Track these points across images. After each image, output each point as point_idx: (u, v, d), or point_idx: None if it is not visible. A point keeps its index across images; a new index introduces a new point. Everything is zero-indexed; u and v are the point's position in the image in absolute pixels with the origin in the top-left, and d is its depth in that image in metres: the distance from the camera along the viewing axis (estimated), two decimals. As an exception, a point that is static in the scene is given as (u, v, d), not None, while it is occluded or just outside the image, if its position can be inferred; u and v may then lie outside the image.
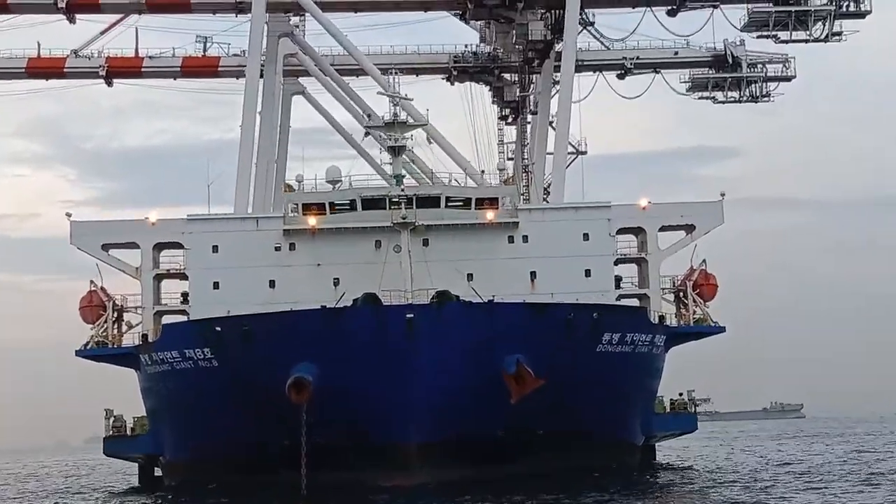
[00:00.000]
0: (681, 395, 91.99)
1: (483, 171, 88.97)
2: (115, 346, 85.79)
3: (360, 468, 67.22)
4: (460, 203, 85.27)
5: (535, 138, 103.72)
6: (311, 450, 65.61)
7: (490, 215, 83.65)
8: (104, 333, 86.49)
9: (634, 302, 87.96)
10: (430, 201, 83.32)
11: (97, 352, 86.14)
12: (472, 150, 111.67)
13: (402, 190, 79.67)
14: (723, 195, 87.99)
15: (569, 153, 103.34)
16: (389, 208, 78.60)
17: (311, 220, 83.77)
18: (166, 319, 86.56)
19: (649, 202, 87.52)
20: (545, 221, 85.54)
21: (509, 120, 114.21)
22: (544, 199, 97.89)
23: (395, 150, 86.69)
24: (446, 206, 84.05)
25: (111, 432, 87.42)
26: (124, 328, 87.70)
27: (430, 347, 65.05)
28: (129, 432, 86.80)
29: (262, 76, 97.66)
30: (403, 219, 74.05)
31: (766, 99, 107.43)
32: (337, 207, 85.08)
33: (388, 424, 65.91)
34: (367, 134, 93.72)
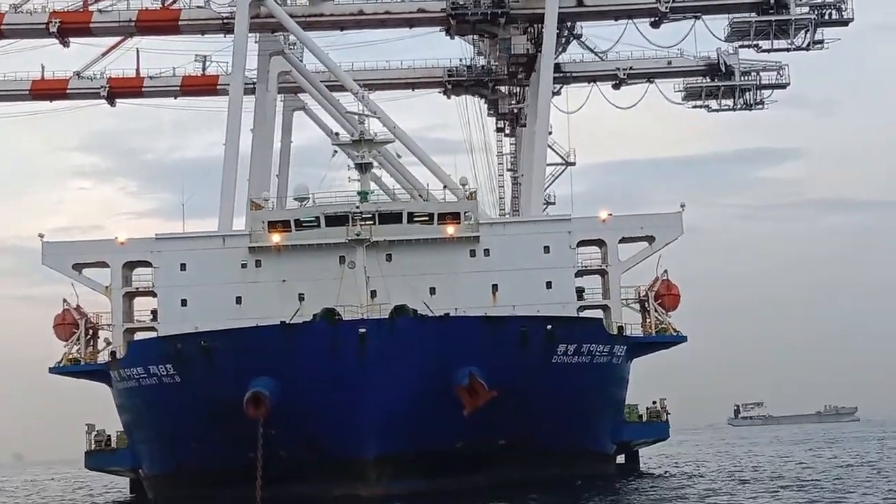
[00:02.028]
0: (654, 403, 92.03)
1: (444, 187, 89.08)
2: (88, 363, 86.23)
3: (319, 481, 67.40)
4: (424, 218, 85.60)
5: (522, 150, 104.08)
6: (273, 463, 65.70)
7: (451, 230, 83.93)
8: (78, 351, 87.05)
9: (597, 313, 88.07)
10: (392, 217, 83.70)
11: (69, 369, 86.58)
12: (469, 161, 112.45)
13: (358, 207, 79.74)
14: (682, 206, 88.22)
15: (557, 164, 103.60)
16: (353, 225, 78.81)
17: (276, 238, 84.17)
18: (138, 336, 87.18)
19: (609, 214, 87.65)
20: (506, 235, 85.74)
21: (507, 132, 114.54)
22: (545, 211, 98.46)
23: (363, 168, 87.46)
24: (409, 222, 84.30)
25: (93, 447, 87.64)
26: (101, 345, 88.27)
27: (382, 361, 65.29)
28: (114, 446, 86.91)
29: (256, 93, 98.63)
30: (357, 235, 74.29)
31: (759, 106, 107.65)
32: (303, 224, 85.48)
33: (343, 438, 66.16)
34: (335, 153, 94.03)
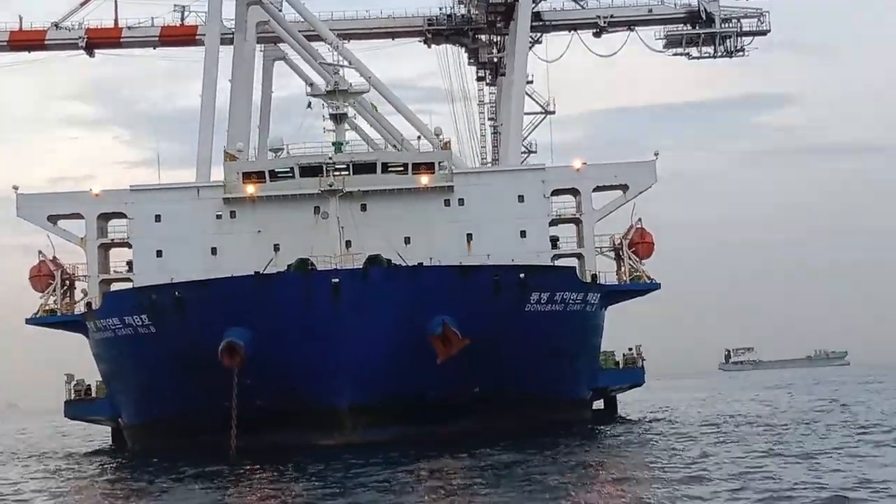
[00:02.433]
0: (630, 349, 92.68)
1: (419, 137, 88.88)
2: (65, 314, 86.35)
3: (294, 430, 67.92)
4: (399, 168, 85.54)
5: (502, 99, 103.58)
6: (249, 412, 66.10)
7: (425, 180, 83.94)
8: (54, 302, 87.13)
9: (572, 261, 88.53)
10: (366, 167, 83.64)
11: (46, 320, 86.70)
12: (450, 111, 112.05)
13: (331, 158, 79.59)
14: (656, 154, 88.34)
15: (536, 113, 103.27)
16: (326, 175, 78.69)
17: (250, 189, 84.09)
18: (114, 287, 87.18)
19: (584, 163, 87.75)
20: (480, 185, 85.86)
21: (488, 81, 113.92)
22: (526, 160, 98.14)
23: (337, 118, 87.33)
24: (384, 172, 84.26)
25: (73, 396, 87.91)
26: (79, 296, 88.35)
27: (356, 311, 65.64)
28: (94, 395, 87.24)
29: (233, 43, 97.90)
30: (330, 186, 74.23)
31: (740, 54, 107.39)
32: (278, 175, 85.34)
33: (317, 387, 66.59)
34: (309, 104, 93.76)
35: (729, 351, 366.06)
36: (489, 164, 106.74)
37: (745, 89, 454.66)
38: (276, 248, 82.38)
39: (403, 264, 70.52)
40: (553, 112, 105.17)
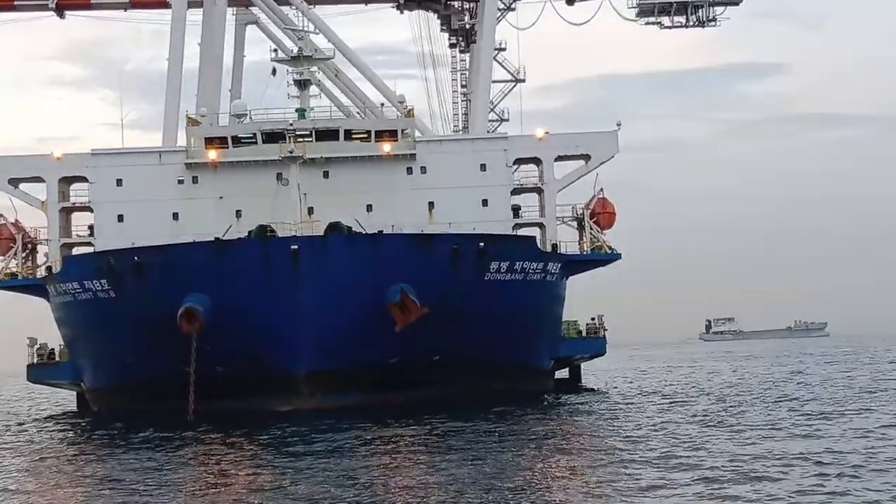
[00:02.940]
0: (592, 319, 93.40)
1: (382, 105, 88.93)
2: (26, 278, 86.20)
3: (254, 396, 68.57)
4: (362, 135, 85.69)
5: (473, 66, 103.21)
6: (210, 378, 66.75)
7: (387, 147, 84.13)
8: (15, 265, 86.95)
9: (534, 231, 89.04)
10: (329, 134, 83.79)
11: (6, 283, 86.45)
12: (422, 78, 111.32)
13: (291, 125, 79.65)
14: (618, 125, 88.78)
15: (506, 81, 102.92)
16: (290, 141, 78.77)
17: (212, 154, 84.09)
18: (76, 251, 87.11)
19: (546, 133, 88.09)
20: (442, 153, 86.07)
21: (460, 48, 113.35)
22: (497, 128, 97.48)
23: (301, 84, 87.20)
24: (346, 139, 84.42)
25: (35, 360, 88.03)
26: (41, 259, 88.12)
27: (314, 278, 66.21)
28: (57, 359, 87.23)
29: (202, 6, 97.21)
30: (290, 152, 74.36)
31: (712, 24, 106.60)
32: (241, 141, 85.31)
33: (276, 354, 67.18)
34: (273, 70, 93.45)
35: (709, 321, 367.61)
36: (461, 133, 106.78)
37: (728, 59, 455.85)
38: (238, 214, 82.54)
39: (363, 232, 70.69)
40: (523, 80, 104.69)
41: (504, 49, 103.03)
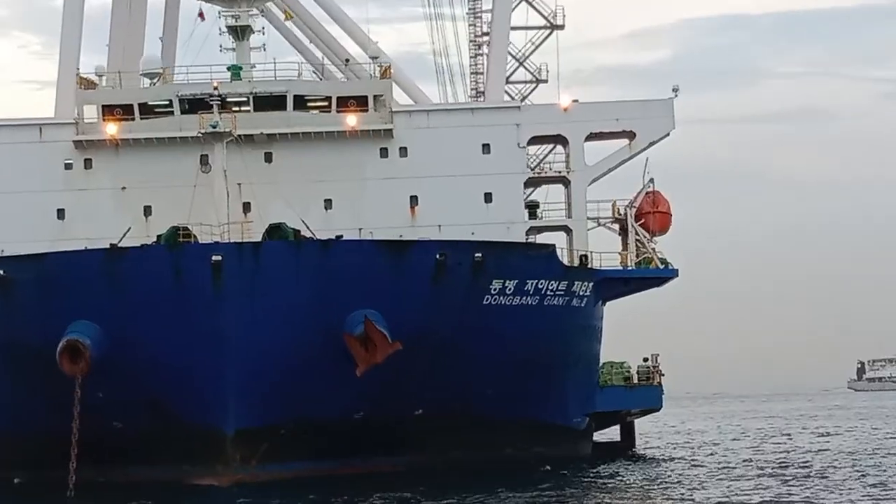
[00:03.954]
0: (645, 360, 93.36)
1: (348, 60, 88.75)
2: None
3: (164, 462, 68.44)
4: (319, 103, 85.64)
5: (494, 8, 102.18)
6: (102, 437, 66.72)
7: (353, 120, 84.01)
8: None
9: (558, 237, 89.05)
10: (273, 102, 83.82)
11: None
12: (427, 29, 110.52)
13: (216, 89, 79.22)
14: (675, 91, 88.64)
15: (541, 27, 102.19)
16: (216, 112, 78.48)
17: (112, 128, 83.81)
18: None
19: (574, 101, 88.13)
20: (430, 128, 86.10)
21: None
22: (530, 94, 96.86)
23: (238, 32, 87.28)
24: (298, 108, 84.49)
25: None
26: None
27: (245, 300, 65.88)
28: None
29: None
30: (213, 127, 73.96)
31: None
32: (153, 110, 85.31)
33: (193, 405, 66.81)
34: (200, 14, 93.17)
35: (862, 363, 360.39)
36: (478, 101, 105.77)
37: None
38: (147, 211, 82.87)
39: (314, 237, 70.45)
40: (561, 27, 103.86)
41: None
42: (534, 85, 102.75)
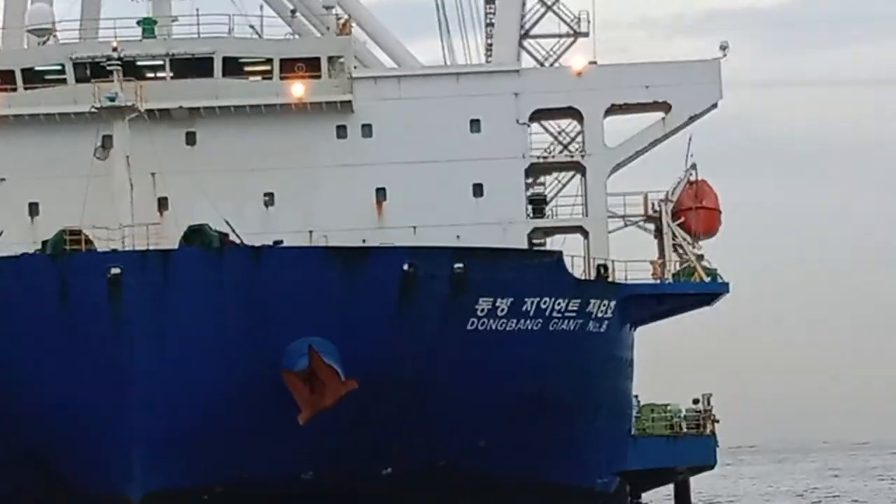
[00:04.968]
0: (695, 402, 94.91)
1: (294, 11, 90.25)
2: None
3: None
4: (259, 68, 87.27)
5: None
6: None
7: (299, 90, 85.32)
8: None
9: (573, 241, 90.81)
10: (196, 66, 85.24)
11: None
12: None
13: (115, 49, 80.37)
14: (723, 49, 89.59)
15: (561, 35, 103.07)
16: (117, 80, 79.91)
17: None
18: None
19: (591, 62, 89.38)
20: (402, 99, 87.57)
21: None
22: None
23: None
24: (228, 75, 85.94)
25: None
26: None
27: (151, 325, 67.37)
28: None
29: None
30: (111, 100, 75.67)
31: None
32: (43, 78, 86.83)
33: (87, 462, 68.41)
34: None
35: None
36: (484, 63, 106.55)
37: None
38: (33, 210, 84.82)
39: (240, 242, 71.88)
40: (585, 33, 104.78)
41: None
42: (571, 39, 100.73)
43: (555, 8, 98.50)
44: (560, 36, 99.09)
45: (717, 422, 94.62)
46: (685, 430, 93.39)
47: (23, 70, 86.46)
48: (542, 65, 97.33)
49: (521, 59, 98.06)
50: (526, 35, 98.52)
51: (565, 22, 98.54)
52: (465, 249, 76.18)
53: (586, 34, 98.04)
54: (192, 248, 69.95)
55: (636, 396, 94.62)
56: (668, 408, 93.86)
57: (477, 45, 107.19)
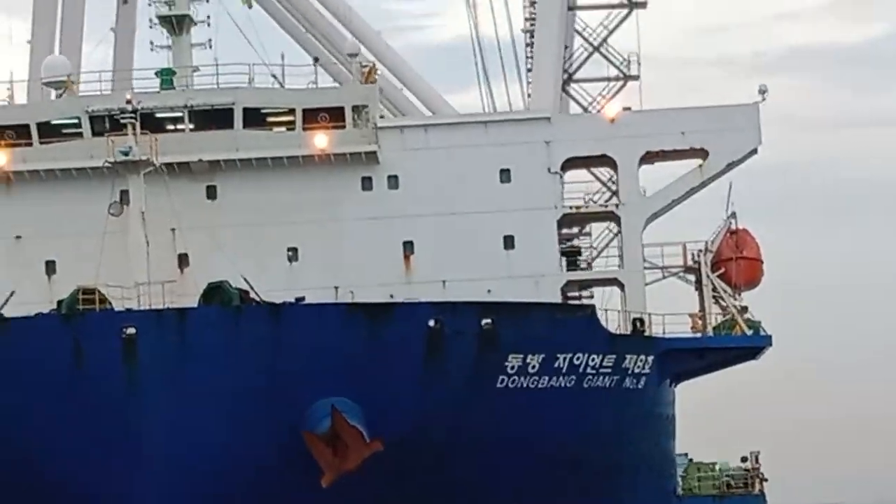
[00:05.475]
0: (744, 460, 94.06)
1: (317, 59, 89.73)
2: None
3: None
4: (281, 118, 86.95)
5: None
6: None
7: (323, 141, 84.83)
8: None
9: (608, 294, 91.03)
10: (216, 117, 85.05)
11: None
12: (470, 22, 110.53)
13: (129, 101, 79.79)
14: (762, 93, 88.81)
15: (611, 79, 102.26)
16: (132, 133, 79.12)
17: (2, 158, 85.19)
18: None
19: (625, 108, 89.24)
20: (429, 150, 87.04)
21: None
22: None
23: (173, 24, 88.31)
24: (249, 126, 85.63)
25: None
26: None
27: (169, 389, 66.74)
28: None
29: None
30: (126, 155, 74.89)
31: None
32: (61, 132, 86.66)
33: None
34: None
35: None
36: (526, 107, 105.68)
37: None
38: (50, 267, 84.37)
39: (259, 300, 71.19)
40: (636, 77, 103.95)
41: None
42: (620, 82, 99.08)
43: (602, 49, 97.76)
44: (609, 80, 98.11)
45: (766, 480, 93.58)
46: (733, 489, 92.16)
47: (38, 124, 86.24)
48: (587, 111, 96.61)
49: (569, 105, 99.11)
50: (570, 79, 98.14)
51: (614, 64, 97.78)
52: (494, 304, 75.57)
53: (637, 77, 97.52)
54: (209, 307, 69.75)
55: (687, 455, 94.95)
56: (717, 466, 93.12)
57: (523, 92, 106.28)
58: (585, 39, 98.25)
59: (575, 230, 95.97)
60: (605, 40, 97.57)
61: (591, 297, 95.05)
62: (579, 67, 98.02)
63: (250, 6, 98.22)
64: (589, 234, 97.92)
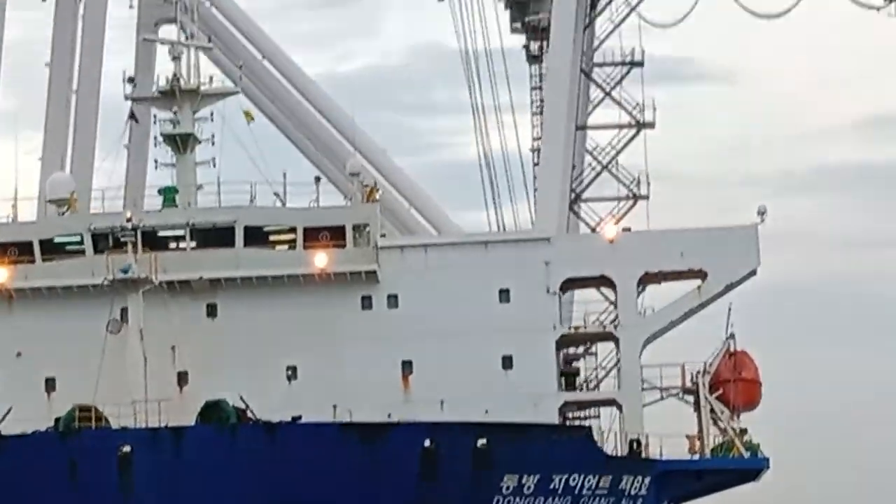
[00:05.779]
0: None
1: (319, 179, 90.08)
2: None
3: None
4: (282, 237, 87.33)
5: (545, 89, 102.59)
6: None
7: (323, 260, 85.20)
8: None
9: (605, 416, 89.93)
10: (216, 236, 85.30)
11: None
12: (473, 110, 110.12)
13: (129, 220, 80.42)
14: (761, 214, 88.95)
15: (624, 125, 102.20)
16: (131, 250, 79.83)
17: (2, 274, 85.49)
18: None
19: (624, 229, 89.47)
20: (429, 269, 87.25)
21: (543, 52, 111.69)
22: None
23: (178, 143, 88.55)
24: (251, 244, 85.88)
25: None
26: None
27: None
28: None
29: None
30: (126, 273, 75.42)
31: None
32: (64, 249, 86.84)
33: None
34: (132, 115, 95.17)
35: None
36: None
37: None
38: (50, 385, 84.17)
39: (254, 418, 71.60)
40: (651, 124, 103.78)
41: (633, 64, 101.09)
42: (631, 202, 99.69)
43: (612, 169, 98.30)
44: (619, 199, 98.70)
45: None
46: None
47: (41, 241, 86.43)
48: (594, 231, 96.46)
49: (578, 225, 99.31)
50: (578, 198, 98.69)
51: (623, 184, 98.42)
52: (489, 425, 75.94)
53: (646, 197, 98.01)
54: (205, 426, 70.22)
55: None
56: None
57: (531, 210, 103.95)
58: (595, 158, 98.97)
59: (581, 349, 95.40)
60: (613, 159, 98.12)
61: (598, 416, 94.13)
62: (587, 186, 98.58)
63: (251, 120, 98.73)
64: (595, 353, 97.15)
